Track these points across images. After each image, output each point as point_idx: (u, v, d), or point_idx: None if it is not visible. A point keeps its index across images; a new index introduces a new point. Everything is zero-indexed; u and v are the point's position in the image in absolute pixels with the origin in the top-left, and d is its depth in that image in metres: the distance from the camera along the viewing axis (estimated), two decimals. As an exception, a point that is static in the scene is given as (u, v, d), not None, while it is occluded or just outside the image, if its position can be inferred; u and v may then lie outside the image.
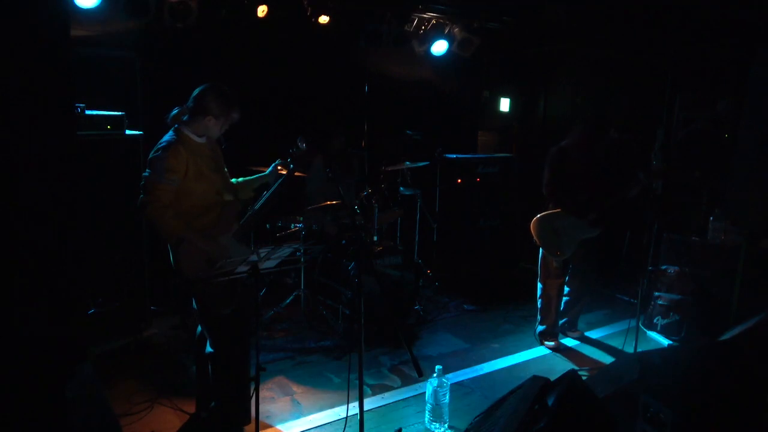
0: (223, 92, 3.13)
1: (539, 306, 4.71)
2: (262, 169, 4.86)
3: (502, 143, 7.29)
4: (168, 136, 3.12)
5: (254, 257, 2.70)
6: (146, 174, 3.03)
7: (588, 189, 4.38)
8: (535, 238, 4.51)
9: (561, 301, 4.72)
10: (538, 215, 4.49)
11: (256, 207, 3.41)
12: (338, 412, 3.59)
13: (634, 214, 5.12)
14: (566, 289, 4.71)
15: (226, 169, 3.38)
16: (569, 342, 4.80)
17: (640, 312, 4.51)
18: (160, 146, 3.06)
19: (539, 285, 4.68)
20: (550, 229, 4.44)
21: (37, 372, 2.74)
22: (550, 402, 2.64)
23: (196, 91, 3.13)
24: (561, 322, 4.80)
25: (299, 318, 5.02)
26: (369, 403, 3.69)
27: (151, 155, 3.06)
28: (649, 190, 4.27)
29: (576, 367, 4.26)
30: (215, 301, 3.13)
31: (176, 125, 3.15)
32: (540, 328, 4.74)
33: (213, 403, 3.39)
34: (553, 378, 2.91)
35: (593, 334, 5.02)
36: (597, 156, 4.43)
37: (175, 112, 3.17)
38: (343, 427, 3.29)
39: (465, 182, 6.15)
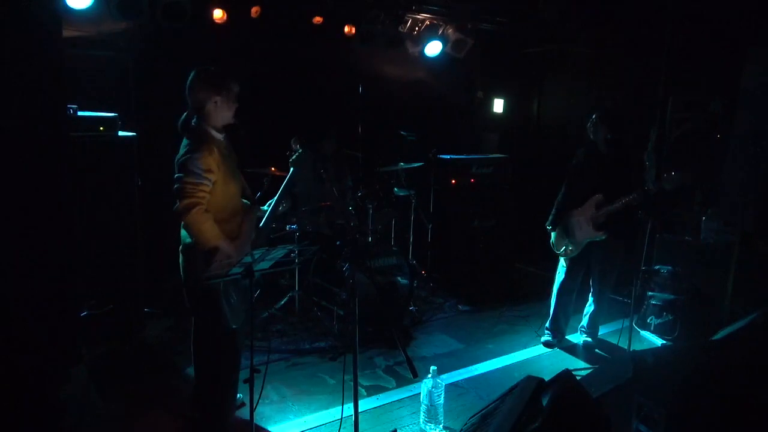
0: (208, 70, 3.01)
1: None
2: (260, 170, 4.87)
3: (503, 143, 7.28)
4: (192, 136, 2.91)
5: (248, 258, 2.69)
6: (180, 176, 2.80)
7: (598, 192, 4.38)
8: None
9: (565, 302, 4.71)
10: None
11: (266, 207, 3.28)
12: (333, 414, 3.58)
13: (628, 214, 5.14)
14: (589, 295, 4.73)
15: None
16: (565, 342, 4.81)
17: (633, 312, 4.53)
18: (188, 147, 2.86)
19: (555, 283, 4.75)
20: (562, 226, 4.52)
21: (31, 375, 2.73)
22: (544, 402, 2.64)
23: (186, 89, 2.98)
24: (582, 324, 4.80)
25: (294, 319, 5.01)
26: (364, 404, 3.68)
27: (181, 158, 2.84)
28: (651, 198, 4.24)
29: (571, 367, 4.27)
30: (232, 308, 2.95)
31: (196, 123, 2.97)
32: (546, 324, 4.81)
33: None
34: (547, 378, 2.92)
35: (587, 334, 5.03)
36: (608, 156, 4.39)
37: (183, 117, 3.00)
38: (338, 428, 3.28)
39: (459, 183, 6.16)
